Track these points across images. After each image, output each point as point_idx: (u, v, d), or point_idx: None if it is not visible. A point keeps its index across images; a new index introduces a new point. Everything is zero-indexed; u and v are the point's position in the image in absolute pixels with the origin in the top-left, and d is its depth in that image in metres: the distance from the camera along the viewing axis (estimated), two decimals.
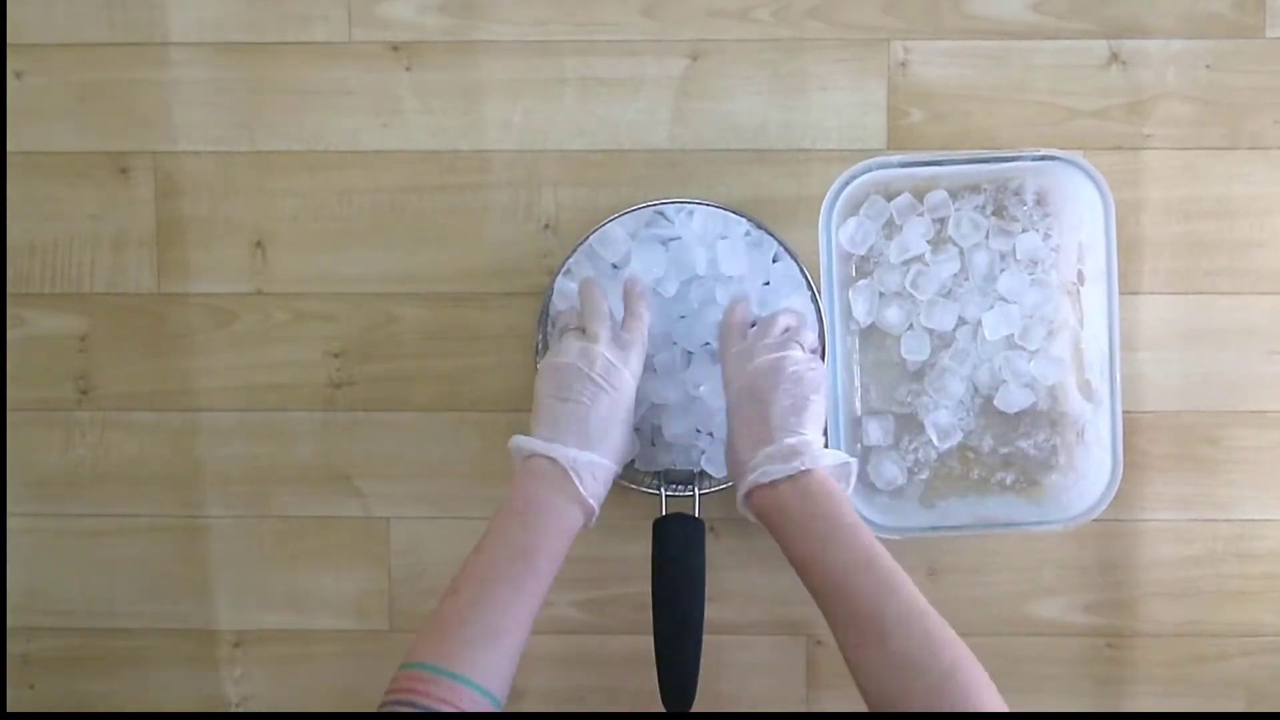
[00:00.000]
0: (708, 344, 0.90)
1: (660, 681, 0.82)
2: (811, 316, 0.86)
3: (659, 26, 0.94)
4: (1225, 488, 0.95)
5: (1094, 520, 0.89)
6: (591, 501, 0.75)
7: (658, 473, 0.90)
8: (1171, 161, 0.94)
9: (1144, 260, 0.94)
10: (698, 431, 0.91)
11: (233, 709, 0.97)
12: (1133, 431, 0.93)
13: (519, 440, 0.77)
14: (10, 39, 0.94)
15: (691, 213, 0.90)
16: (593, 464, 0.76)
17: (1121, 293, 0.90)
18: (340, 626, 0.97)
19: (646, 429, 0.90)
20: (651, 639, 0.83)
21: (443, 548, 0.96)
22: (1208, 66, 0.93)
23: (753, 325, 0.84)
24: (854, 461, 0.77)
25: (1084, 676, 0.96)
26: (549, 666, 0.96)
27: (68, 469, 0.96)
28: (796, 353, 0.79)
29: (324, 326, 0.95)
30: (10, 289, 0.96)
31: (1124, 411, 0.89)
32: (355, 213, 0.95)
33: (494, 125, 0.94)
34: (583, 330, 0.81)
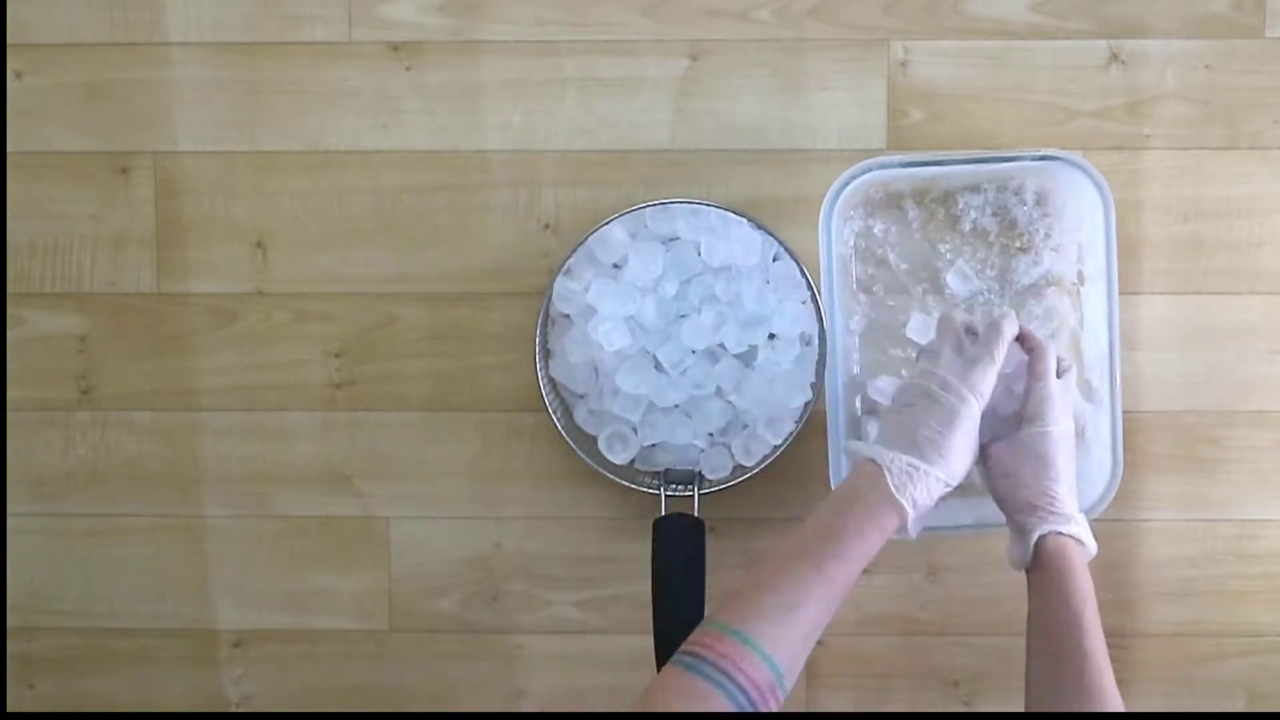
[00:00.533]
0: (721, 345, 0.90)
1: None
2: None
3: (659, 26, 0.94)
4: (1225, 488, 0.95)
5: (1094, 520, 0.89)
6: (903, 502, 0.76)
7: (658, 473, 0.90)
8: (1171, 161, 0.94)
9: (1144, 260, 0.94)
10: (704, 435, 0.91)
11: (233, 709, 0.97)
12: (1133, 431, 0.93)
13: (850, 445, 0.81)
14: (10, 39, 0.94)
15: (695, 211, 0.90)
16: (912, 466, 0.76)
17: (1121, 293, 0.90)
18: (340, 626, 0.97)
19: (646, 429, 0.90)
20: (651, 639, 0.83)
21: (443, 548, 0.96)
22: (1208, 66, 0.93)
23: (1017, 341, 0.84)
24: (1094, 547, 0.81)
25: None
26: (549, 666, 0.96)
27: (68, 469, 0.96)
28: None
29: (324, 326, 0.95)
30: (10, 289, 0.96)
31: (1124, 411, 0.89)
32: (355, 213, 0.95)
33: (494, 125, 0.94)
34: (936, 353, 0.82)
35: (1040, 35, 0.93)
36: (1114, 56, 0.93)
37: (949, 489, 0.78)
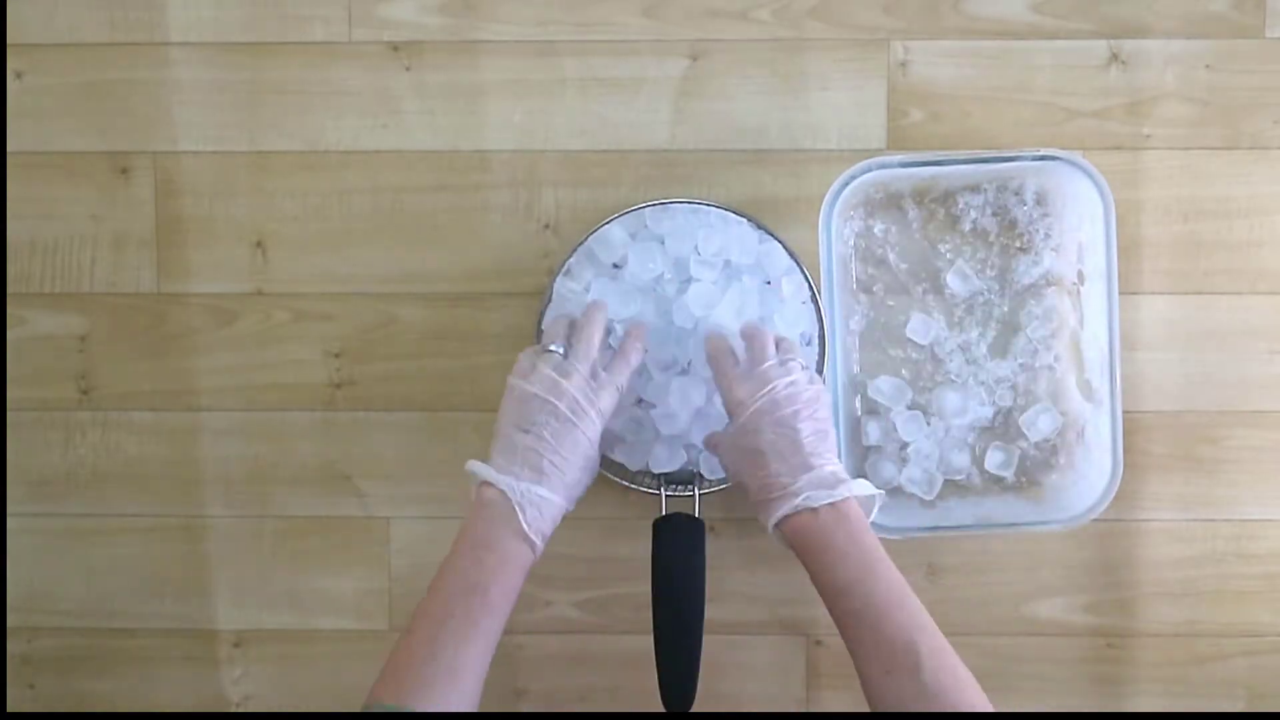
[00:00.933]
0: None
1: (660, 681, 0.82)
2: (791, 338, 0.86)
3: (659, 26, 0.94)
4: (1225, 488, 0.95)
5: (1094, 520, 0.89)
6: (535, 538, 0.75)
7: (658, 473, 0.90)
8: (1171, 161, 0.94)
9: (1144, 260, 0.94)
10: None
11: (233, 709, 0.97)
12: (1133, 431, 0.93)
13: (473, 466, 0.78)
14: (10, 39, 0.94)
15: (696, 210, 0.89)
16: (541, 500, 0.76)
17: (1121, 293, 0.90)
18: (340, 626, 0.97)
19: (649, 429, 0.90)
20: (651, 639, 0.83)
21: (443, 548, 0.95)
22: (1208, 66, 0.93)
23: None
24: (882, 494, 0.79)
25: (1084, 676, 0.96)
26: (549, 666, 0.96)
27: (68, 469, 0.96)
28: (802, 374, 0.80)
29: (324, 326, 0.95)
30: (10, 289, 0.96)
31: (1124, 411, 0.89)
32: (355, 213, 0.95)
33: (494, 125, 0.94)
34: (564, 355, 0.80)
35: (1040, 35, 0.93)
36: (1114, 56, 0.93)
37: (565, 515, 0.78)
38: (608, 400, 0.79)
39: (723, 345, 0.83)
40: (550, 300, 0.89)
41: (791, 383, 0.79)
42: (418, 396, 0.95)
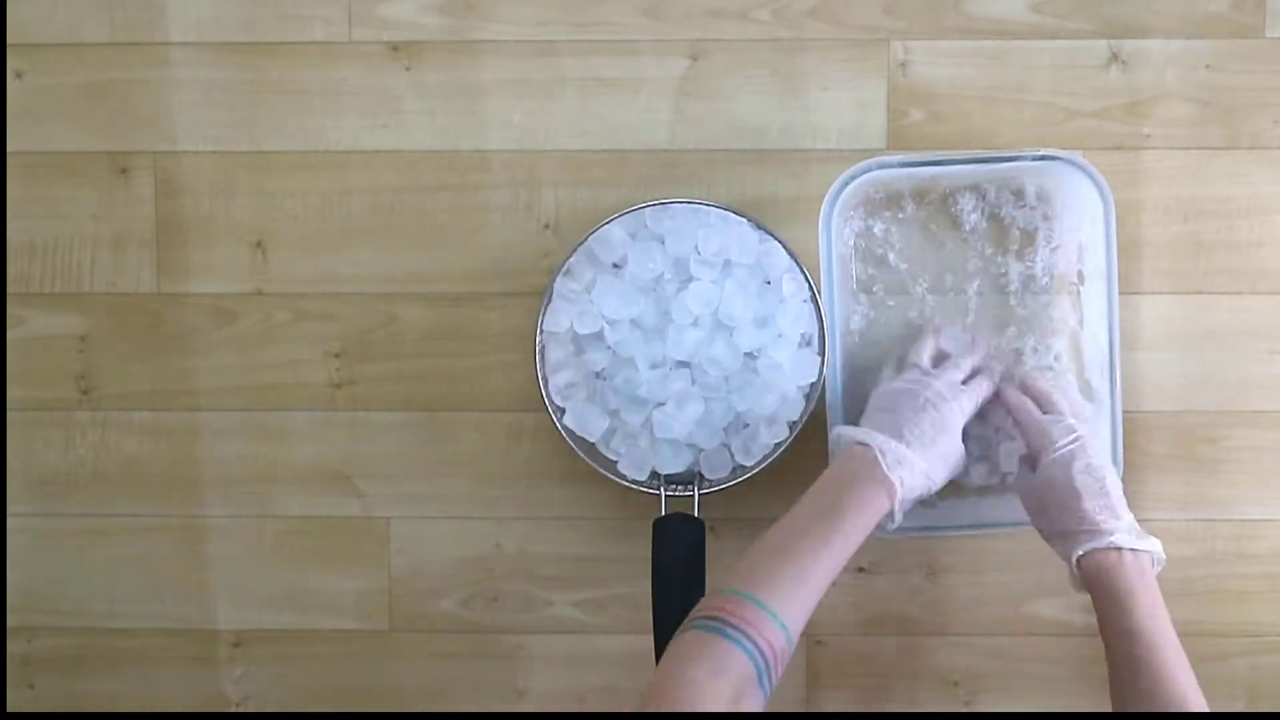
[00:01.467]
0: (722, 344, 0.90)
1: None
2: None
3: (659, 26, 0.94)
4: (1225, 488, 0.95)
5: None
6: (894, 482, 0.79)
7: (657, 473, 0.90)
8: (1171, 161, 0.94)
9: (1144, 260, 0.94)
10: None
11: (233, 709, 0.97)
12: (1133, 431, 0.93)
13: (839, 429, 0.85)
14: (10, 39, 0.94)
15: (696, 210, 0.89)
16: (901, 452, 0.80)
17: (1121, 293, 0.90)
18: (340, 626, 0.97)
19: (648, 430, 0.90)
20: (651, 639, 0.83)
21: (443, 548, 0.96)
22: (1208, 66, 0.93)
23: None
24: (1164, 559, 0.83)
25: (1084, 676, 0.95)
26: (549, 666, 0.96)
27: (68, 469, 0.96)
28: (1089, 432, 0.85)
29: (324, 326, 0.95)
30: (10, 289, 0.96)
31: (1124, 411, 0.89)
32: (355, 213, 0.95)
33: (494, 125, 0.94)
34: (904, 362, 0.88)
35: (1040, 35, 0.93)
36: (1114, 56, 0.93)
37: (929, 492, 0.82)
38: (968, 401, 0.84)
39: (1024, 401, 0.87)
40: (550, 300, 0.89)
41: (1091, 434, 0.84)
42: (418, 396, 0.95)
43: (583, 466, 0.90)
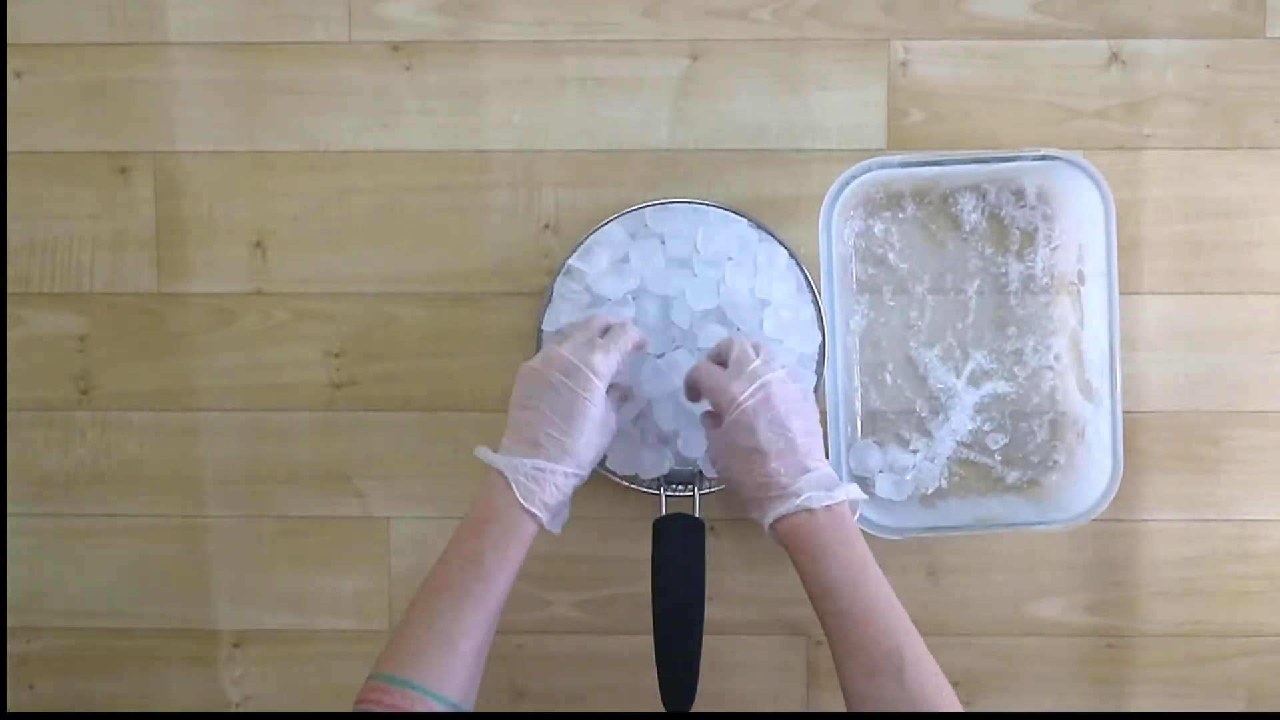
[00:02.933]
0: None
1: (660, 681, 0.82)
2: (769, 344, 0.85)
3: (659, 26, 0.94)
4: (1225, 488, 0.95)
5: (1094, 520, 0.89)
6: (534, 508, 0.76)
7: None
8: (1171, 161, 0.94)
9: (1144, 260, 0.94)
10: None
11: (233, 709, 0.97)
12: (1133, 431, 0.93)
13: (479, 452, 0.79)
14: (10, 39, 0.94)
15: (696, 210, 0.89)
16: (537, 472, 0.76)
17: (1121, 293, 0.90)
18: (340, 626, 0.97)
19: (652, 430, 0.90)
20: (651, 639, 0.83)
21: (442, 548, 0.96)
22: (1208, 66, 0.93)
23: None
24: (865, 498, 0.81)
25: (1084, 676, 0.96)
26: (549, 666, 0.96)
27: (68, 469, 0.96)
28: (785, 374, 0.80)
29: (324, 326, 0.95)
30: (10, 289, 0.96)
31: (1124, 411, 0.89)
32: (355, 213, 0.95)
33: (494, 125, 0.94)
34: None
35: (1040, 35, 0.93)
36: (1114, 56, 0.93)
37: (582, 480, 0.78)
38: (603, 360, 0.78)
39: (703, 363, 0.82)
40: (550, 300, 0.89)
41: (781, 380, 0.79)
42: (418, 396, 0.95)
43: None
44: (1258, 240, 0.94)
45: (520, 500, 0.76)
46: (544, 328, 0.89)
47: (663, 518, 0.84)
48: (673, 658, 0.82)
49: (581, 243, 0.88)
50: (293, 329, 0.95)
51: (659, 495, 0.87)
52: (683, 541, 0.83)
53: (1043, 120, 0.93)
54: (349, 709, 0.98)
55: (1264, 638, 0.95)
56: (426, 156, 0.95)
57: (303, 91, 0.94)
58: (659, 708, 0.82)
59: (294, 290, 0.95)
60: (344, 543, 0.96)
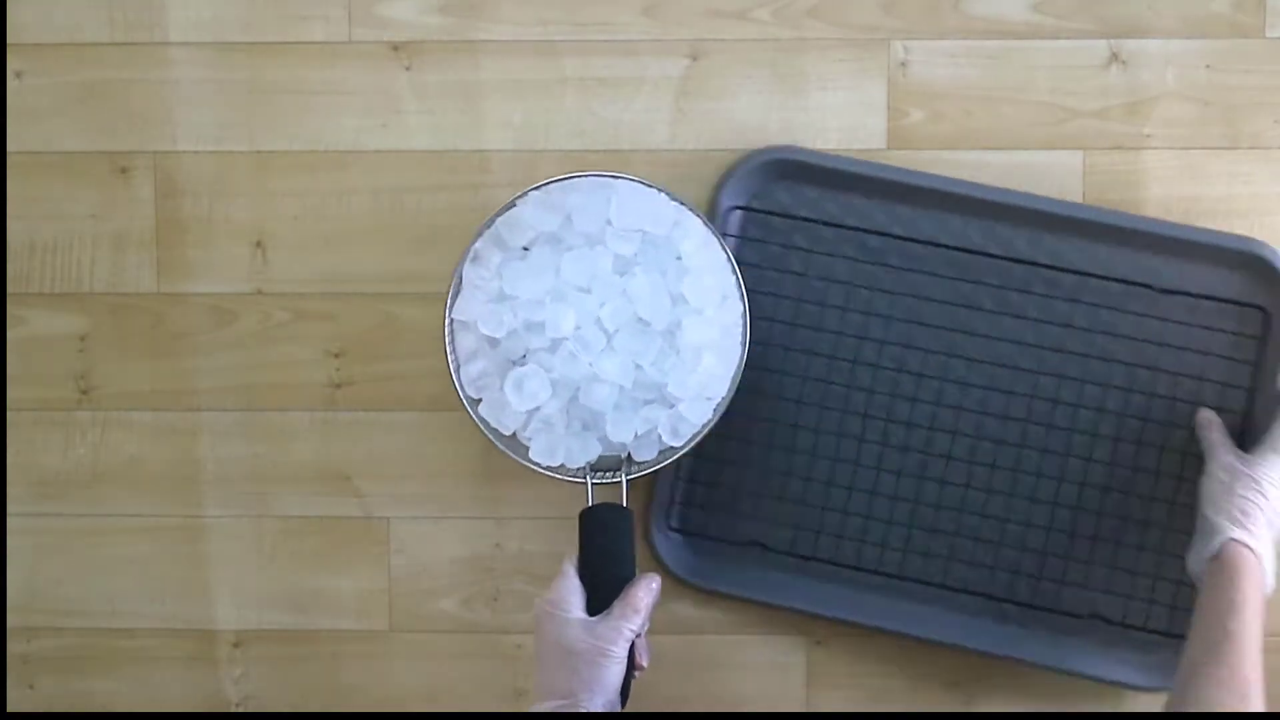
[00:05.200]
0: (643, 321, 0.84)
1: None
2: None
3: (659, 26, 0.94)
4: None
5: None
6: None
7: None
8: (1171, 161, 0.94)
9: None
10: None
11: (233, 709, 0.97)
12: None
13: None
14: (10, 39, 0.94)
15: (606, 184, 0.84)
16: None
17: None
18: (340, 626, 0.97)
19: (577, 416, 0.85)
20: None
21: (443, 548, 0.96)
22: (1208, 66, 0.93)
23: None
24: None
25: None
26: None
27: (68, 469, 0.96)
28: None
29: (324, 326, 0.95)
30: (10, 289, 0.96)
31: None
32: (355, 213, 0.95)
33: (494, 125, 0.94)
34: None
35: (1040, 35, 0.93)
36: (1114, 56, 0.93)
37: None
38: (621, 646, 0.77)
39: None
40: (459, 290, 0.84)
41: None
42: (418, 396, 0.95)
43: None
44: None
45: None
46: (453, 316, 0.84)
47: (587, 509, 0.81)
48: None
49: (488, 226, 0.84)
50: (293, 329, 0.95)
51: (585, 484, 0.83)
52: (608, 533, 0.79)
53: (1043, 120, 0.94)
54: (349, 709, 0.98)
55: (1264, 638, 0.95)
56: (426, 156, 0.95)
57: (303, 91, 0.94)
58: (654, 706, 0.82)
59: (294, 290, 0.95)
60: (344, 543, 0.96)
